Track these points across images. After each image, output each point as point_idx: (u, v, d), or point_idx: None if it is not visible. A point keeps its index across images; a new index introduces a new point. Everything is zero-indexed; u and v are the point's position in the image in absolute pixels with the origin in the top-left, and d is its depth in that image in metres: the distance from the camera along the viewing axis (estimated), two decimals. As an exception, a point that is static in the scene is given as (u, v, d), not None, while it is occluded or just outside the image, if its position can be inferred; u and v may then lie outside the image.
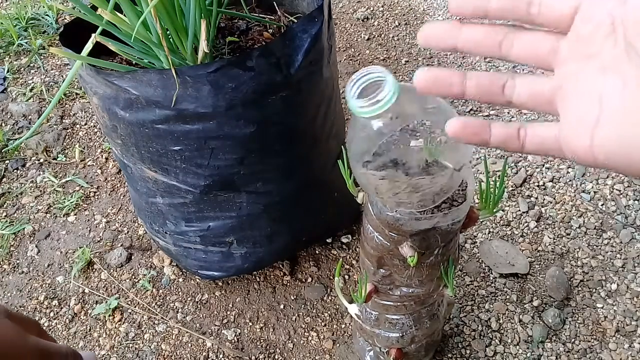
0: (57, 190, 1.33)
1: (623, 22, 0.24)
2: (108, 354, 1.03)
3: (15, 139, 1.46)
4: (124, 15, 0.75)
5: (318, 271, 1.12)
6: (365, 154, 0.48)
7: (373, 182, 0.50)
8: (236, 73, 0.74)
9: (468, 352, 0.97)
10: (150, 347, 1.03)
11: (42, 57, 1.71)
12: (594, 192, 1.19)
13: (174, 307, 1.08)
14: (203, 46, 0.74)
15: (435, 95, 0.32)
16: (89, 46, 0.72)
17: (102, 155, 1.41)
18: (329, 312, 1.05)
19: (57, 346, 0.39)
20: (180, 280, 1.12)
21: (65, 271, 1.17)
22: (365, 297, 0.68)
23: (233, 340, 1.02)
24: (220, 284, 1.11)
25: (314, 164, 0.96)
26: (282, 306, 1.07)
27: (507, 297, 1.04)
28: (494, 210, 0.60)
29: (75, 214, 1.28)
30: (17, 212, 1.30)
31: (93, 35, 0.71)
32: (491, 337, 0.99)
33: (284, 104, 0.81)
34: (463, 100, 1.43)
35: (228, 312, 1.07)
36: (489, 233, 1.15)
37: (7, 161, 1.41)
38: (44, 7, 1.85)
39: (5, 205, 1.31)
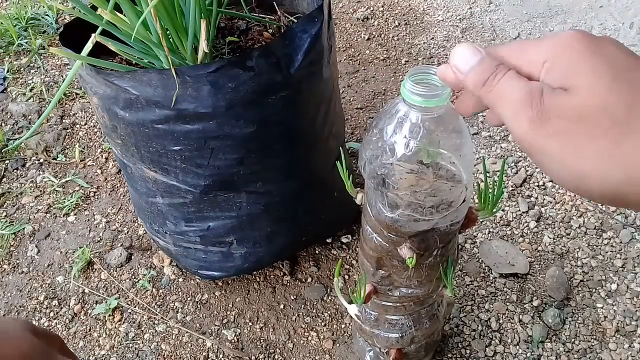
0: (57, 190, 1.33)
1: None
2: (108, 354, 1.03)
3: (15, 139, 1.46)
4: (124, 15, 0.75)
5: (318, 271, 1.12)
6: (400, 144, 0.48)
7: (397, 174, 0.50)
8: (236, 73, 0.74)
9: (468, 352, 0.97)
10: (150, 347, 1.03)
11: (42, 57, 1.71)
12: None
13: (174, 307, 1.09)
14: (203, 46, 0.74)
15: None
16: (88, 46, 0.72)
17: (102, 155, 1.41)
18: (329, 312, 1.05)
19: None
20: (180, 280, 1.12)
21: (65, 271, 1.17)
22: (364, 298, 0.68)
23: (233, 340, 1.03)
24: (220, 284, 1.11)
25: (314, 164, 0.96)
26: (282, 306, 1.07)
27: (507, 297, 1.04)
28: (493, 210, 0.60)
29: (75, 214, 1.28)
30: (17, 212, 1.30)
31: (93, 35, 0.71)
32: (491, 337, 0.99)
33: (284, 104, 0.81)
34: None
35: (228, 312, 1.07)
36: (488, 233, 1.15)
37: (7, 161, 1.41)
38: (44, 7, 1.85)
39: (5, 205, 1.31)
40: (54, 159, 1.41)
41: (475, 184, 0.60)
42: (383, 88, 1.51)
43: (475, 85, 0.32)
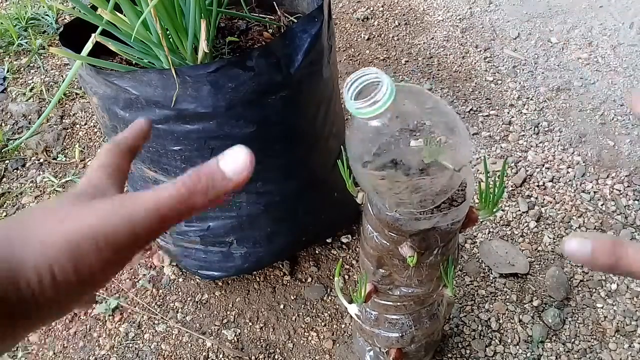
0: (57, 190, 1.33)
1: None
2: (108, 354, 1.03)
3: (15, 139, 1.46)
4: (124, 15, 0.75)
5: (318, 271, 1.12)
6: (364, 154, 0.48)
7: (373, 182, 0.50)
8: (236, 73, 0.74)
9: (468, 352, 0.97)
10: (150, 347, 1.03)
11: (42, 57, 1.71)
12: (594, 192, 1.19)
13: (174, 307, 1.09)
14: (203, 46, 0.74)
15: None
16: (88, 46, 0.72)
17: (102, 155, 1.41)
18: (329, 312, 1.05)
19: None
20: (180, 280, 1.12)
21: (65, 271, 1.17)
22: (365, 297, 0.68)
23: (233, 340, 1.03)
24: (220, 284, 1.11)
25: (314, 163, 0.96)
26: (282, 306, 1.07)
27: (507, 297, 1.04)
28: (494, 210, 0.60)
29: (75, 214, 1.28)
30: (17, 212, 1.30)
31: (93, 35, 0.71)
32: (491, 337, 0.99)
33: (284, 104, 0.81)
34: (463, 100, 1.43)
35: (228, 312, 1.07)
36: (489, 233, 1.15)
37: (7, 161, 1.41)
38: (44, 7, 1.85)
39: (5, 205, 1.31)
40: (54, 159, 1.41)
41: (476, 184, 0.59)
42: (383, 88, 1.50)
43: (606, 270, 0.32)
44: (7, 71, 1.66)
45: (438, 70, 1.54)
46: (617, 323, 0.98)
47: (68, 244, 0.23)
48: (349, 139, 0.50)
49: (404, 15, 1.75)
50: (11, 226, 0.24)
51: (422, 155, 0.48)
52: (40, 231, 0.23)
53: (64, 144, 1.45)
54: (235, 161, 0.27)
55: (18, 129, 1.50)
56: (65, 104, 1.56)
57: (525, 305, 1.02)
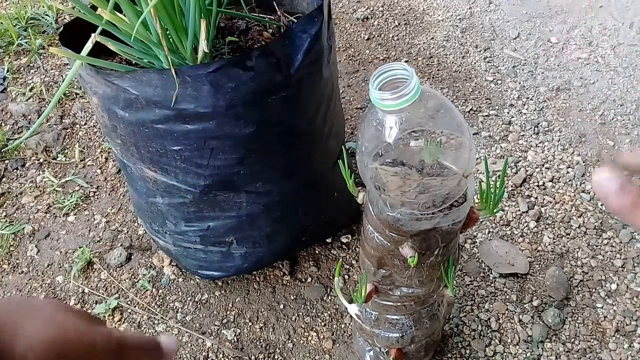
0: (56, 190, 1.33)
1: None
2: (108, 354, 1.03)
3: (15, 139, 1.46)
4: (124, 15, 0.75)
5: (318, 271, 1.12)
6: (378, 148, 0.48)
7: (383, 178, 0.50)
8: (236, 73, 0.74)
9: (468, 352, 0.97)
10: (150, 347, 1.03)
11: (41, 57, 1.71)
12: (594, 192, 1.19)
13: (174, 307, 1.08)
14: (203, 46, 0.74)
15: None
16: (88, 46, 0.72)
17: (102, 155, 1.41)
18: (328, 312, 1.05)
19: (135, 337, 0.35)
20: (180, 280, 1.12)
21: (65, 271, 1.17)
22: (365, 297, 0.68)
23: (233, 340, 1.02)
24: (220, 284, 1.11)
25: (314, 164, 0.96)
26: (282, 306, 1.07)
27: (507, 297, 1.04)
28: (494, 210, 0.60)
29: (75, 214, 1.28)
30: (16, 212, 1.30)
31: (93, 35, 0.71)
32: (491, 337, 0.99)
33: (284, 104, 0.81)
34: (463, 100, 1.43)
35: (228, 312, 1.07)
36: (488, 233, 1.15)
37: (6, 161, 1.41)
38: (43, 7, 1.85)
39: (5, 205, 1.31)
40: (53, 159, 1.41)
41: (476, 184, 0.59)
42: (383, 88, 1.50)
43: (620, 211, 0.35)
44: (7, 71, 1.66)
45: (438, 70, 1.54)
46: (617, 323, 0.98)
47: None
48: (363, 132, 0.50)
49: (404, 15, 1.75)
50: (15, 310, 0.30)
51: (433, 154, 0.48)
52: (32, 329, 0.29)
53: (64, 144, 1.45)
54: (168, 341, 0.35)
55: (18, 129, 1.50)
56: (65, 104, 1.55)
57: (525, 305, 1.02)
